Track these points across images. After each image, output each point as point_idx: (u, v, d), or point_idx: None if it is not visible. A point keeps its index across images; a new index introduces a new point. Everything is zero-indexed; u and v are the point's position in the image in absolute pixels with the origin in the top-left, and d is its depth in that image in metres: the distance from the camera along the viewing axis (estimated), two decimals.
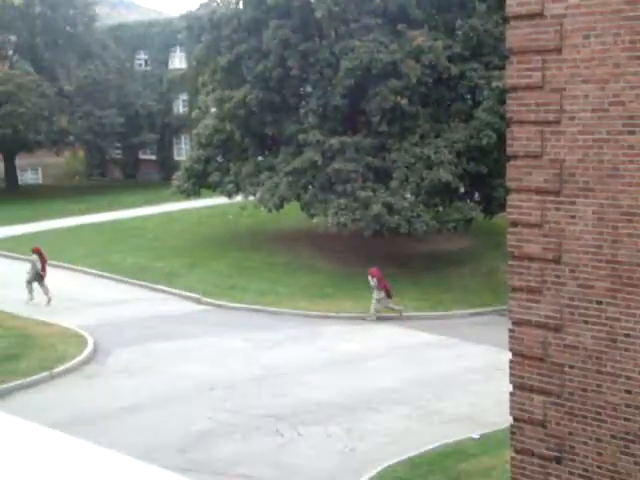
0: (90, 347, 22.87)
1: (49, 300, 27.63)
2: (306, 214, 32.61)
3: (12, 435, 3.66)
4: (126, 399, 19.23)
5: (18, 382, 20.07)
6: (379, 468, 15.30)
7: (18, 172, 57.07)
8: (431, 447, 16.21)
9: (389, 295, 26.74)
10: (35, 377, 20.46)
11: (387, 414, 18.27)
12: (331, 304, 27.72)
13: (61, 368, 21.15)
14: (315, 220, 32.00)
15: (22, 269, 29.50)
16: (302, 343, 24.02)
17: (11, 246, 35.92)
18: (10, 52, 52.90)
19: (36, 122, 48.64)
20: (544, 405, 9.79)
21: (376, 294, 26.55)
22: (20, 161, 56.62)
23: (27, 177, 61.56)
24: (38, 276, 27.95)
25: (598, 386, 9.40)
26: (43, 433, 3.71)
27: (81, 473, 3.26)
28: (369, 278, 26.79)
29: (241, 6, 33.81)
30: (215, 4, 34.65)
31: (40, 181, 62.47)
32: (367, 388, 19.94)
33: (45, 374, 20.66)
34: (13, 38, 52.74)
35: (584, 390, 9.50)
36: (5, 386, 19.84)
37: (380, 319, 26.48)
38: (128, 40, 58.06)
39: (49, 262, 29.13)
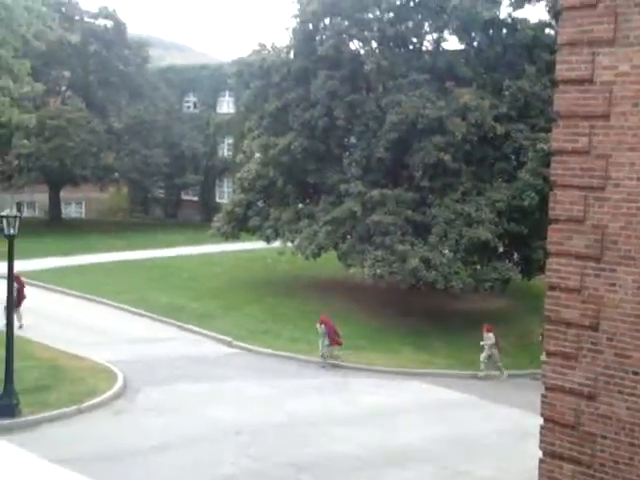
0: (120, 383, 22.91)
1: (20, 326, 27.52)
2: (343, 264, 32.59)
3: (20, 470, 3.64)
4: (153, 438, 19.18)
5: (47, 414, 20.12)
6: None
7: (62, 205, 57.89)
8: None
9: (337, 343, 26.84)
10: (64, 410, 20.50)
11: (411, 471, 17.99)
12: (362, 356, 27.54)
13: (90, 402, 21.18)
14: (352, 270, 31.97)
15: (62, 302, 29.65)
16: (330, 394, 23.84)
17: (48, 278, 36.25)
18: (64, 88, 54.03)
19: (83, 157, 49.46)
20: (574, 474, 9.59)
21: (324, 341, 26.79)
22: (65, 194, 57.50)
23: (71, 210, 62.45)
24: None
25: (630, 459, 9.20)
26: (53, 470, 3.68)
27: None
28: (317, 325, 27.03)
29: (292, 55, 34.27)
30: (266, 52, 35.14)
31: (83, 215, 63.33)
32: (392, 444, 19.68)
33: (74, 407, 20.70)
34: (67, 74, 53.90)
35: (616, 462, 9.30)
36: (34, 417, 19.90)
37: (409, 375, 26.21)
38: (178, 82, 59.07)
39: (86, 296, 29.32)
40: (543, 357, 9.99)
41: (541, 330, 10.22)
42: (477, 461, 18.77)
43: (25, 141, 46.15)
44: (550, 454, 9.78)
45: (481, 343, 26.83)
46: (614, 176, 9.15)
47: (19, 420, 19.63)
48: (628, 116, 9.03)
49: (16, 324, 27.54)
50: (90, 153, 49.74)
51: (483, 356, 26.73)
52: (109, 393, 22.05)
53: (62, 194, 56.54)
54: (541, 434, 9.87)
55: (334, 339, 26.86)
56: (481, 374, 26.60)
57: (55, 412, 20.29)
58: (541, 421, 9.86)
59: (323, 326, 26.88)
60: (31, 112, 44.92)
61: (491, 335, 26.97)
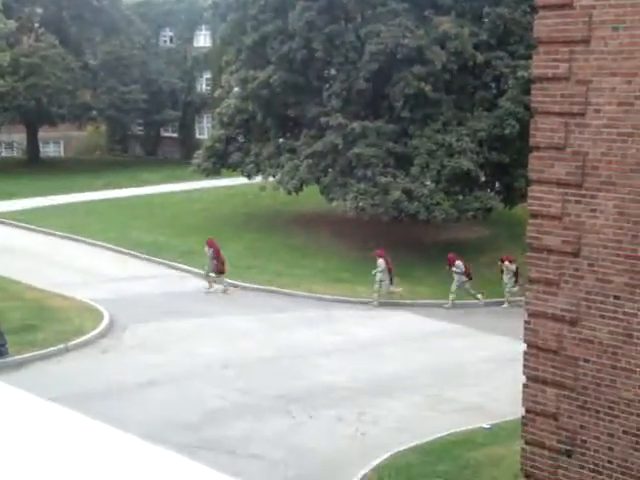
0: (106, 321, 22.99)
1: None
2: (325, 198, 32.58)
3: (12, 408, 3.66)
4: (140, 375, 19.33)
5: (34, 353, 20.24)
6: (389, 454, 15.32)
7: (40, 145, 57.30)
8: (442, 435, 16.22)
9: (221, 271, 27.32)
10: (51, 349, 20.62)
11: (399, 400, 18.28)
12: (347, 288, 27.72)
13: (77, 341, 21.29)
14: (334, 204, 31.98)
15: (43, 243, 29.54)
16: (316, 326, 24.04)
17: (30, 218, 36.08)
18: (36, 25, 52.98)
19: (60, 95, 48.75)
20: (557, 398, 9.77)
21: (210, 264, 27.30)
22: (43, 134, 56.83)
23: (49, 150, 61.80)
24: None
25: (612, 381, 9.36)
26: (45, 407, 3.70)
27: (77, 451, 3.26)
28: (205, 249, 27.54)
29: None
30: None
31: (62, 154, 62.72)
32: (380, 374, 19.95)
33: (61, 346, 20.80)
34: (39, 11, 52.80)
35: (598, 384, 9.47)
36: (21, 357, 20.01)
37: (394, 305, 26.42)
38: (154, 17, 58.01)
39: (69, 236, 29.26)
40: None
41: (523, 258, 10.29)
42: (463, 388, 19.08)
43: None
44: (534, 379, 9.94)
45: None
46: (594, 102, 9.13)
47: (7, 360, 19.72)
48: (608, 40, 8.97)
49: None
50: (66, 91, 49.00)
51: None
52: (95, 332, 22.15)
53: (40, 133, 55.86)
54: (525, 359, 10.01)
55: (218, 266, 27.20)
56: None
57: (42, 351, 20.39)
58: (525, 347, 9.99)
59: (212, 250, 27.21)
60: (5, 50, 44.23)
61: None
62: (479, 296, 27.17)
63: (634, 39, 8.82)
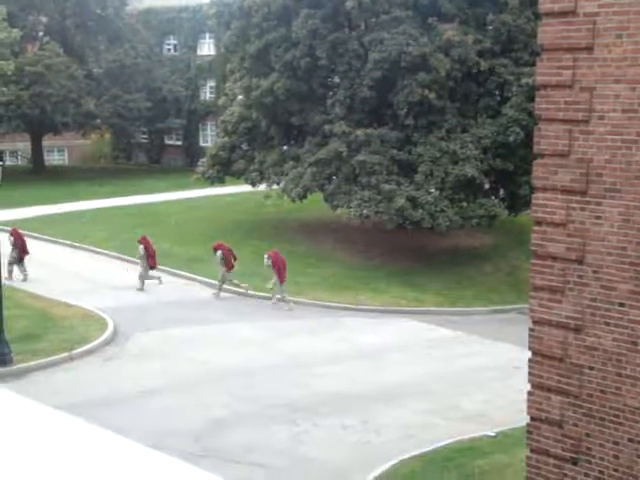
0: (110, 330, 22.99)
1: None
2: (329, 205, 32.56)
3: (18, 416, 3.67)
4: (144, 383, 19.33)
5: (37, 362, 20.24)
6: (393, 462, 15.27)
7: (45, 153, 57.41)
8: (446, 443, 16.17)
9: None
10: (54, 357, 20.61)
11: (404, 408, 18.24)
12: (351, 296, 27.69)
13: (81, 350, 21.28)
14: (338, 211, 31.95)
15: (48, 250, 29.51)
16: (321, 334, 24.02)
17: (35, 226, 36.11)
18: (41, 33, 53.13)
19: (64, 104, 48.87)
20: (562, 405, 9.73)
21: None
22: (47, 142, 56.98)
23: (53, 158, 61.94)
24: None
25: (617, 389, 9.33)
26: (48, 415, 3.70)
27: (80, 457, 3.26)
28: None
29: None
30: None
31: (66, 162, 62.85)
32: (384, 381, 19.91)
33: (64, 355, 20.80)
34: (44, 19, 52.95)
35: (603, 392, 9.43)
36: (24, 365, 20.02)
37: (398, 313, 26.39)
38: (158, 25, 58.20)
39: (73, 243, 29.32)
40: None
41: (528, 265, 10.28)
42: (467, 395, 19.05)
43: (4, 89, 45.51)
44: (538, 386, 9.91)
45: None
46: (598, 109, 9.11)
47: (11, 368, 19.73)
48: (612, 48, 8.95)
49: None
50: (70, 99, 49.12)
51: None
52: (99, 340, 22.15)
53: (44, 142, 56.01)
54: (529, 367, 9.97)
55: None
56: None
57: (46, 360, 20.40)
58: (529, 355, 9.96)
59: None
60: (9, 59, 44.31)
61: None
62: (243, 286, 27.57)
63: (638, 46, 8.80)
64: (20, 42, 47.02)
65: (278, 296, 26.78)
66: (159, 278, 28.24)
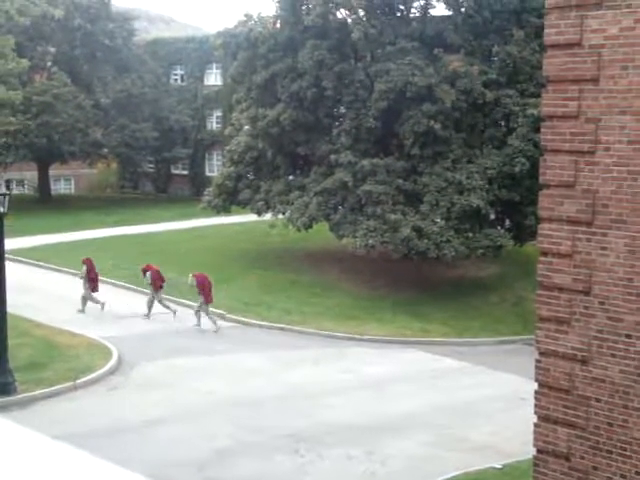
0: (114, 359, 22.93)
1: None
2: (335, 235, 32.57)
3: (19, 447, 3.64)
4: (148, 413, 19.24)
5: (42, 391, 20.17)
6: None
7: (51, 182, 57.60)
8: (452, 475, 16.04)
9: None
10: (58, 387, 20.55)
11: (409, 439, 18.11)
12: (356, 326, 27.62)
13: (85, 379, 21.22)
14: (343, 241, 31.95)
15: (53, 280, 29.48)
16: (326, 364, 23.92)
17: (41, 255, 36.16)
18: (49, 63, 53.51)
19: (71, 133, 49.12)
20: (569, 438, 9.66)
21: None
22: (54, 171, 57.16)
23: (60, 187, 62.16)
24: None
25: (624, 421, 9.26)
26: (51, 446, 3.67)
27: None
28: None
29: (278, 25, 33.98)
30: (252, 22, 34.81)
31: (73, 192, 63.04)
32: (390, 412, 19.79)
33: (69, 384, 20.73)
34: (52, 50, 53.35)
35: (610, 424, 9.36)
36: (28, 394, 19.95)
37: (404, 343, 26.29)
38: (165, 55, 58.61)
39: (79, 273, 29.32)
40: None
41: (534, 296, 10.24)
42: (474, 427, 18.91)
43: (12, 118, 45.75)
44: (545, 418, 9.84)
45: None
46: (604, 140, 9.13)
47: (15, 398, 19.66)
48: (617, 79, 8.99)
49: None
50: (78, 129, 49.38)
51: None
52: (104, 369, 22.08)
53: (51, 171, 56.20)
54: (536, 399, 9.91)
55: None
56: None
57: (51, 389, 20.34)
58: (535, 386, 9.90)
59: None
60: (17, 89, 44.59)
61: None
62: (172, 308, 27.80)
63: None
64: (28, 72, 47.36)
65: (206, 317, 27.02)
66: (103, 304, 28.16)
